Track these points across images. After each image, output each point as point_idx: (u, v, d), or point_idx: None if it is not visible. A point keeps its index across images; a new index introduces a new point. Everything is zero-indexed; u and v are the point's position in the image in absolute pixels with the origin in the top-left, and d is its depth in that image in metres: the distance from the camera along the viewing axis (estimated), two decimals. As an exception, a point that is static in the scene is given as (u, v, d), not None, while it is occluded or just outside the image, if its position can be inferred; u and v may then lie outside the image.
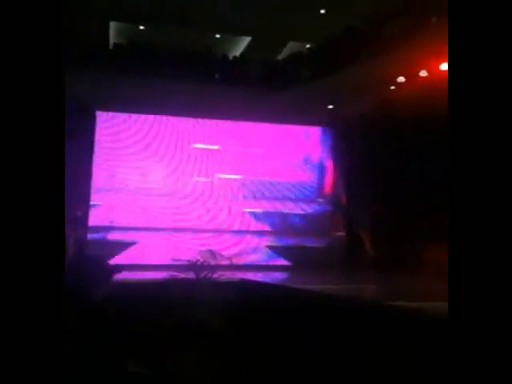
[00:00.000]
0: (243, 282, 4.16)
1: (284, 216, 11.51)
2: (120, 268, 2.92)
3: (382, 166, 11.28)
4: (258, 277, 5.01)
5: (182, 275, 3.75)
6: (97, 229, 8.55)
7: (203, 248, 5.22)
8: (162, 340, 3.31)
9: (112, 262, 2.85)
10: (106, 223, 8.69)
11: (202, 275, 3.77)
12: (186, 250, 7.12)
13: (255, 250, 10.65)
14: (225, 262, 4.79)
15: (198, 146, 10.37)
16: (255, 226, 11.33)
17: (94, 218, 8.57)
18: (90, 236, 8.63)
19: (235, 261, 5.14)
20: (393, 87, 10.06)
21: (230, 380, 3.33)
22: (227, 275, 4.04)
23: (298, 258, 10.75)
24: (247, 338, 3.53)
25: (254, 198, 11.37)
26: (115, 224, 8.48)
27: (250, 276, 4.68)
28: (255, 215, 11.23)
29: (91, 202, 8.48)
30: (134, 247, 8.90)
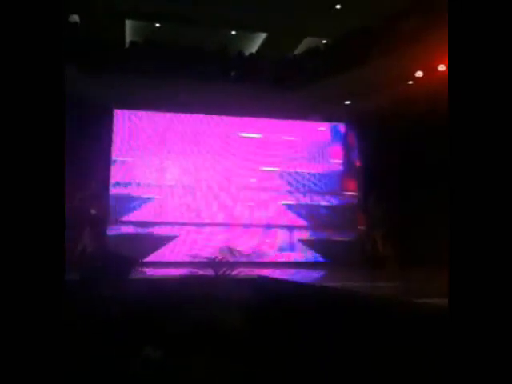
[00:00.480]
0: (260, 278, 4.17)
1: (311, 208, 11.54)
2: (140, 263, 2.95)
3: (400, 161, 11.19)
4: (278, 273, 5.01)
5: (201, 272, 3.75)
6: (124, 223, 8.69)
7: (222, 245, 5.25)
8: (180, 336, 3.32)
9: (133, 256, 2.89)
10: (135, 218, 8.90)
11: (221, 272, 3.77)
12: (212, 244, 7.17)
13: (284, 244, 10.76)
14: (243, 259, 4.79)
15: (215, 142, 10.45)
16: (283, 219, 11.49)
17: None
18: (111, 231, 8.77)
19: (254, 257, 5.12)
20: (411, 82, 9.96)
21: (247, 377, 3.34)
22: (246, 272, 4.05)
23: (324, 252, 10.90)
24: (264, 335, 3.53)
25: (279, 191, 11.44)
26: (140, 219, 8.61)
27: (271, 272, 4.68)
28: (284, 208, 11.31)
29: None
30: (157, 242, 9.06)
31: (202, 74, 10.63)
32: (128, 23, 11.79)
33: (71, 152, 6.50)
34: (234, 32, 11.99)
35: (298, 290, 3.67)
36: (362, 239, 11.25)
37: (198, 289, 3.60)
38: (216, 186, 10.36)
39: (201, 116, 10.42)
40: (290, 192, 11.47)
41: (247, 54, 11.94)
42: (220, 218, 10.35)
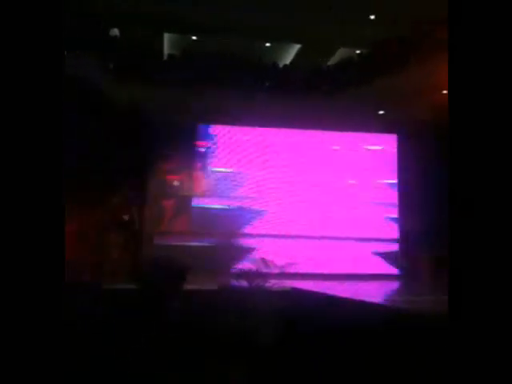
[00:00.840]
0: (294, 290, 4.22)
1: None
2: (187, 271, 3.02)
3: (437, 173, 11.01)
4: (311, 285, 5.05)
5: (235, 283, 3.86)
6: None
7: (257, 256, 5.33)
8: (213, 347, 3.39)
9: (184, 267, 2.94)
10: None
11: (254, 283, 3.86)
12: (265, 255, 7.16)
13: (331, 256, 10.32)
14: (277, 271, 4.87)
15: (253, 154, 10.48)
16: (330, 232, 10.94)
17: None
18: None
19: (287, 269, 5.20)
20: (445, 92, 9.87)
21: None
22: (281, 284, 4.11)
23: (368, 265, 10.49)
24: (295, 348, 3.57)
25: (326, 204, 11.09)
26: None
27: (306, 284, 4.72)
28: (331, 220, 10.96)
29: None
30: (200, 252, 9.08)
31: (237, 86, 10.81)
32: (166, 36, 12.10)
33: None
34: (268, 44, 12.15)
35: (333, 303, 3.69)
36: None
37: (235, 300, 3.69)
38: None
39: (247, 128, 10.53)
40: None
41: (281, 65, 12.09)
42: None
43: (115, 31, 11.57)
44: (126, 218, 6.09)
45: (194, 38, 11.89)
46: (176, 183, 8.66)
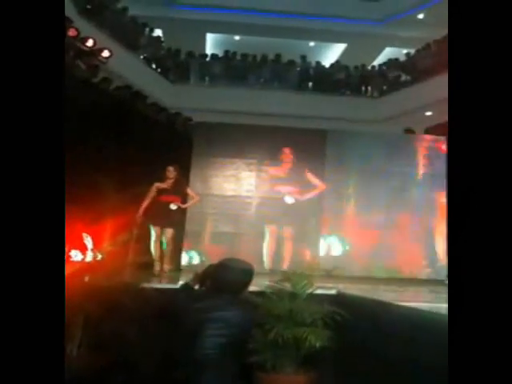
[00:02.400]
0: (341, 294, 4.04)
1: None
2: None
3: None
4: (355, 289, 4.86)
5: (278, 286, 3.69)
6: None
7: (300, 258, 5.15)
8: (257, 351, 3.28)
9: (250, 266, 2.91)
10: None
11: (298, 286, 3.68)
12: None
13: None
14: (322, 273, 4.70)
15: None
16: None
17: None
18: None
19: (334, 272, 5.01)
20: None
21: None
22: (325, 287, 3.95)
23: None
24: (342, 352, 3.43)
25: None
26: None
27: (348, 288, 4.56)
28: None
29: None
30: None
31: (281, 85, 10.70)
32: (209, 36, 12.14)
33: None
34: (312, 43, 12.00)
35: (381, 308, 3.51)
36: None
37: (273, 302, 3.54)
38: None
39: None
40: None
41: (326, 64, 11.85)
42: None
43: (158, 32, 11.66)
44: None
45: (237, 38, 11.87)
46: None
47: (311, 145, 7.13)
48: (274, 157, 7.03)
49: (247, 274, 2.95)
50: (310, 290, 3.71)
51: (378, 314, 3.41)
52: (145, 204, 5.41)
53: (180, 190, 5.67)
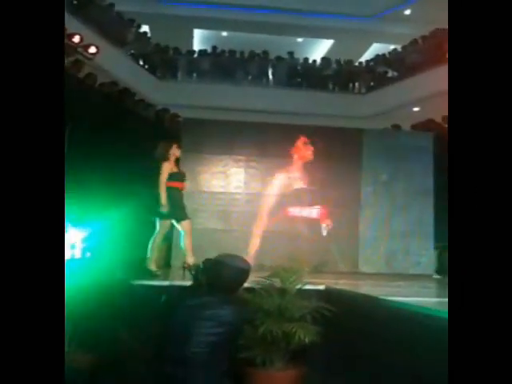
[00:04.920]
0: (329, 289, 4.06)
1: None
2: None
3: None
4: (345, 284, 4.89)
5: (267, 281, 3.70)
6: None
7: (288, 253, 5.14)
8: (247, 347, 3.29)
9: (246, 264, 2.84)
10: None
11: (288, 282, 3.69)
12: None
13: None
14: (310, 268, 4.70)
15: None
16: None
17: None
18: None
19: (321, 267, 5.03)
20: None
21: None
22: (313, 282, 3.97)
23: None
24: (331, 347, 3.45)
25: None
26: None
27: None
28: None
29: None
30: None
31: (268, 81, 10.69)
32: (196, 32, 12.08)
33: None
34: (300, 39, 11.99)
35: (368, 302, 3.54)
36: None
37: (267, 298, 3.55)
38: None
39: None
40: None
41: (313, 60, 11.86)
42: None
43: (145, 28, 11.58)
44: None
45: (224, 34, 11.83)
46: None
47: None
48: (262, 153, 7.01)
49: (243, 272, 2.91)
50: (298, 286, 3.73)
51: (366, 309, 3.44)
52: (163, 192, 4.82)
53: (184, 174, 5.14)
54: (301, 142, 6.81)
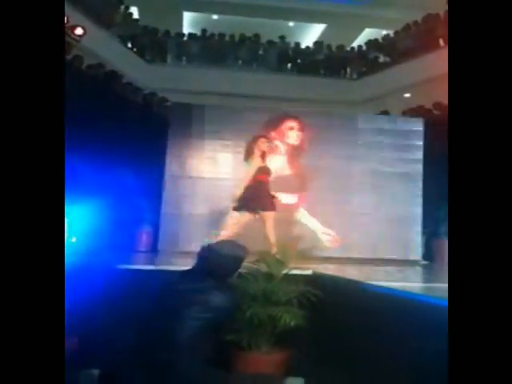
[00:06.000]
0: (315, 274, 4.06)
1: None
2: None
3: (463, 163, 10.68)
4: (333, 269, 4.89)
5: (254, 266, 3.68)
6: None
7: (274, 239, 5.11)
8: (234, 330, 3.28)
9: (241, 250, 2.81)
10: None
11: (274, 267, 3.68)
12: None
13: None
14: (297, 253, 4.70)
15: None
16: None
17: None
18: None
19: (308, 253, 5.02)
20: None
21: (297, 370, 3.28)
22: (299, 267, 3.95)
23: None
24: (318, 333, 3.45)
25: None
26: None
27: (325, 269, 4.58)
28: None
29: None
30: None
31: (259, 66, 10.59)
32: (186, 15, 11.91)
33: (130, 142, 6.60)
34: (291, 23, 11.87)
35: (355, 287, 3.54)
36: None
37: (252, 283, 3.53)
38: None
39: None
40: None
41: (305, 45, 11.76)
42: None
43: (133, 10, 11.40)
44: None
45: (215, 17, 11.67)
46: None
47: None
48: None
49: (236, 259, 2.88)
50: (285, 271, 3.72)
51: (352, 293, 3.44)
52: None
53: (269, 168, 5.21)
54: (285, 126, 6.78)
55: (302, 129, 6.77)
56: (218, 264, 2.78)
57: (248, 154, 5.13)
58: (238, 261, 2.88)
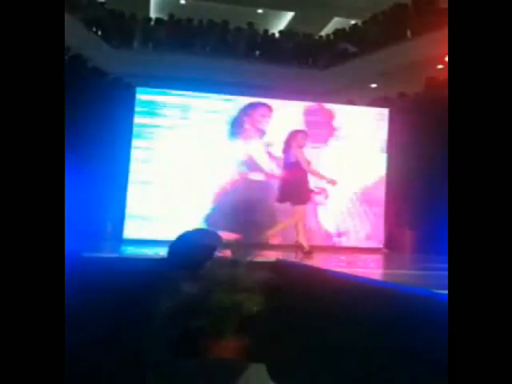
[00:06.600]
0: (279, 261, 4.10)
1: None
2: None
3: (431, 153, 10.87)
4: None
5: (219, 254, 3.68)
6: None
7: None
8: (196, 317, 3.28)
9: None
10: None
11: (239, 254, 3.68)
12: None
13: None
14: (261, 241, 4.74)
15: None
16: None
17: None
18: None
19: (273, 240, 5.06)
20: (440, 66, 9.67)
21: (261, 358, 3.30)
22: (265, 255, 3.99)
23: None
24: (280, 320, 3.49)
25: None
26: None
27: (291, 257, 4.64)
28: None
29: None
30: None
31: (227, 53, 10.50)
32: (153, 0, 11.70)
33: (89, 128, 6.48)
34: (260, 10, 11.80)
35: (318, 275, 3.59)
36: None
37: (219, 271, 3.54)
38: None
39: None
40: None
41: (273, 32, 11.72)
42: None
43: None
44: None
45: (183, 2, 11.50)
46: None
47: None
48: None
49: (209, 248, 2.87)
50: (249, 258, 3.74)
51: (315, 281, 3.49)
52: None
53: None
54: (258, 113, 6.80)
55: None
56: (188, 252, 2.77)
57: (286, 147, 5.25)
58: (210, 249, 2.87)
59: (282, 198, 5.20)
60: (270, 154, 6.84)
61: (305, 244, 5.06)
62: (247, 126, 6.89)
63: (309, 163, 5.23)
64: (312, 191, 5.29)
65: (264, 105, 7.07)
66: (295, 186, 5.09)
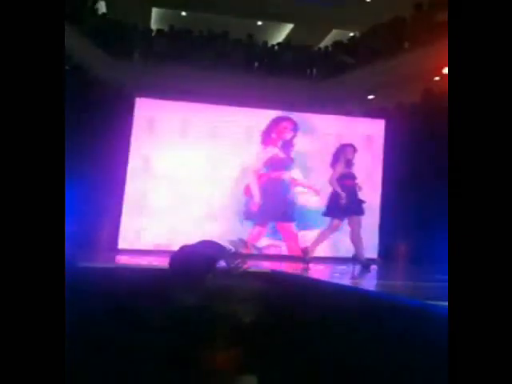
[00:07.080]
0: (274, 272, 4.13)
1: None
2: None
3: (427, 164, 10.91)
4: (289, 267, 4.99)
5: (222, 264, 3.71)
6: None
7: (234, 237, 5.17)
8: (191, 329, 3.30)
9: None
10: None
11: (233, 265, 3.72)
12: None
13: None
14: (256, 252, 4.78)
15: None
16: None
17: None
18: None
19: (267, 251, 5.10)
20: (437, 78, 9.75)
21: (255, 370, 3.31)
22: (258, 265, 4.02)
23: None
24: (274, 330, 3.50)
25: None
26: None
27: (283, 267, 4.66)
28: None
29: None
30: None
31: (227, 64, 10.59)
32: (154, 11, 11.82)
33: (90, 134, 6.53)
34: (259, 22, 11.91)
35: (312, 286, 3.61)
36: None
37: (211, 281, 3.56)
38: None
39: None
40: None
41: (272, 44, 11.84)
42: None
43: (101, 5, 11.26)
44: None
45: (184, 13, 11.62)
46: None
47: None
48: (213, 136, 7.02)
49: (211, 259, 2.89)
50: (242, 268, 3.77)
51: (309, 292, 3.51)
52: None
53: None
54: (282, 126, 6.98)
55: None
56: (190, 264, 2.78)
57: (335, 161, 5.38)
58: (211, 261, 2.88)
59: (332, 212, 5.28)
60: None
61: (311, 253, 5.17)
62: (273, 135, 7.07)
63: (352, 176, 5.38)
64: (363, 201, 5.37)
65: (288, 119, 7.25)
66: (347, 198, 5.20)
